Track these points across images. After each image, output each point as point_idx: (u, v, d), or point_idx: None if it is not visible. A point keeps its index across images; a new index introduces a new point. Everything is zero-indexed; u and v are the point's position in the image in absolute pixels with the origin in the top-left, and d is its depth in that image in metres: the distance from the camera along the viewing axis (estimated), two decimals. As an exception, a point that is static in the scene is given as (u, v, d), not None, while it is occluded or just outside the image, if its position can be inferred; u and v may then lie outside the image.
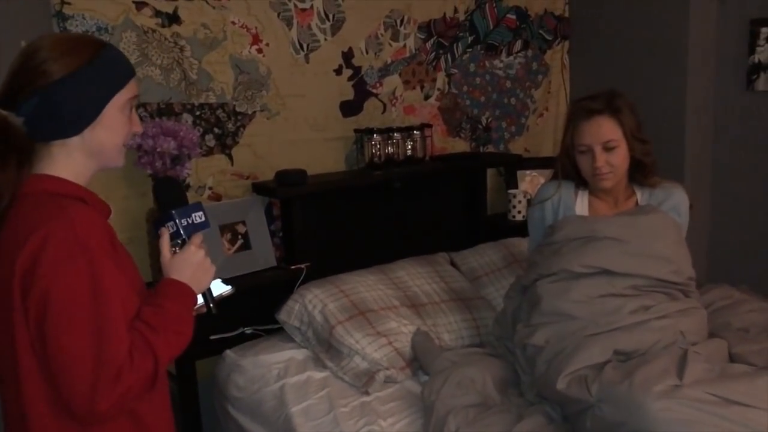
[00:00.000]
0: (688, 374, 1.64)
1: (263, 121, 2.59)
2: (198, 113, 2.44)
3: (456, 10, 3.06)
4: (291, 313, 2.34)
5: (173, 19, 2.35)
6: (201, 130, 2.44)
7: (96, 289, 1.13)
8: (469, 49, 3.14)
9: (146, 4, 2.29)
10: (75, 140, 1.23)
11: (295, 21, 2.61)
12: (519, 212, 3.06)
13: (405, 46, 2.93)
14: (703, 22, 3.00)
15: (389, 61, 2.89)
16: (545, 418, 1.80)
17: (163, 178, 1.47)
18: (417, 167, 2.83)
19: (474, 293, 2.57)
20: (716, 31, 3.03)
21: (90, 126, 1.23)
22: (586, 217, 2.03)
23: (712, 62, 3.05)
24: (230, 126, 2.52)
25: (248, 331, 2.46)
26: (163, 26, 2.33)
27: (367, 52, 2.81)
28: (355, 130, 2.77)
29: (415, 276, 2.56)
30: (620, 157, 1.94)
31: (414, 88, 2.98)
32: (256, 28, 2.52)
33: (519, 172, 3.22)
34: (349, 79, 2.78)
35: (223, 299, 1.42)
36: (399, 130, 2.78)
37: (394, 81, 2.91)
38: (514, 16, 3.26)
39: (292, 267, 2.51)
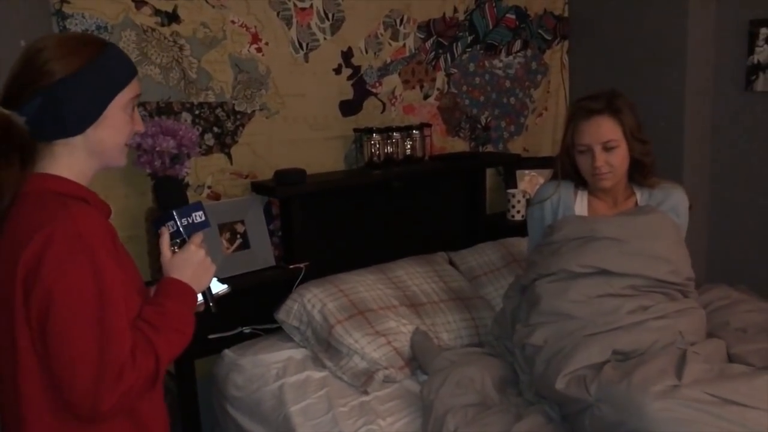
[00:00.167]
0: (686, 374, 1.64)
1: (262, 120, 2.59)
2: (197, 112, 2.44)
3: (455, 10, 3.06)
4: (290, 312, 2.34)
5: (173, 18, 2.35)
6: (200, 129, 2.44)
7: (99, 288, 1.14)
8: (469, 49, 3.14)
9: (146, 3, 2.29)
10: (78, 139, 1.23)
11: (294, 20, 2.61)
12: (518, 212, 3.07)
13: (404, 45, 2.93)
14: (702, 23, 3.01)
15: (389, 60, 2.89)
16: (544, 418, 1.81)
17: (163, 177, 1.48)
18: (416, 167, 2.83)
19: (473, 293, 2.58)
20: (715, 31, 3.03)
21: (93, 125, 1.23)
22: (585, 217, 2.03)
23: (711, 62, 3.06)
24: (229, 125, 2.52)
25: (247, 330, 2.46)
26: (162, 25, 2.33)
27: (366, 52, 2.81)
28: (355, 130, 2.77)
29: (414, 275, 2.56)
30: (620, 157, 1.94)
31: (413, 87, 2.98)
32: (255, 27, 2.52)
33: (518, 172, 3.23)
34: (349, 78, 2.78)
35: (220, 298, 1.43)
36: (398, 129, 2.78)
37: (393, 80, 2.91)
38: (513, 16, 3.26)
39: (291, 266, 2.51)
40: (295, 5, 2.60)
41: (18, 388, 1.17)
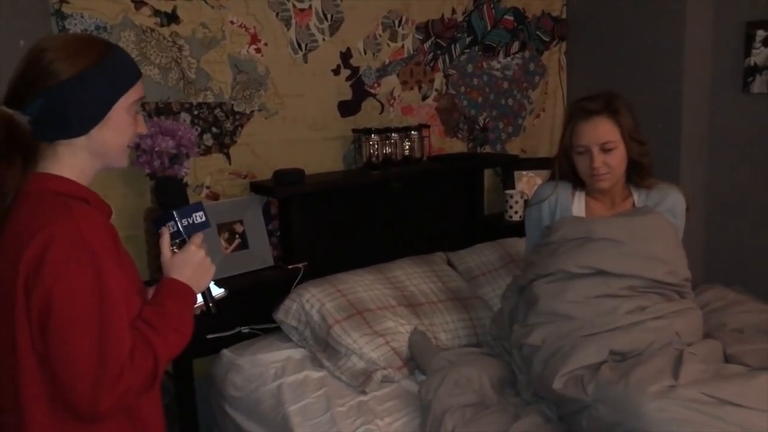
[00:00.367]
0: (683, 374, 1.65)
1: (261, 120, 2.59)
2: (196, 112, 2.44)
3: (454, 11, 3.07)
4: (288, 312, 2.35)
5: (172, 18, 2.35)
6: (199, 129, 2.45)
7: (100, 289, 1.14)
8: (467, 50, 3.15)
9: (145, 4, 2.29)
10: (81, 140, 1.24)
11: (293, 21, 2.61)
12: (516, 212, 3.08)
13: (403, 46, 2.94)
14: (700, 25, 3.02)
15: (387, 61, 2.89)
16: (542, 418, 1.81)
17: (164, 177, 1.48)
18: (414, 167, 2.84)
19: (471, 293, 2.58)
20: (712, 33, 3.04)
21: (96, 126, 1.24)
22: (583, 218, 2.04)
23: (709, 64, 3.07)
24: (228, 125, 2.52)
25: (245, 330, 2.46)
26: (161, 25, 2.34)
27: (365, 53, 2.82)
28: (353, 130, 2.77)
29: (413, 275, 2.57)
30: (618, 158, 1.95)
31: (412, 88, 2.99)
32: (254, 27, 2.53)
33: (516, 173, 3.24)
34: (347, 79, 2.79)
35: (217, 301, 1.43)
36: (397, 130, 2.79)
37: (392, 81, 2.92)
38: (511, 17, 3.27)
39: (290, 266, 2.51)
40: (294, 6, 2.61)
41: (18, 388, 1.18)
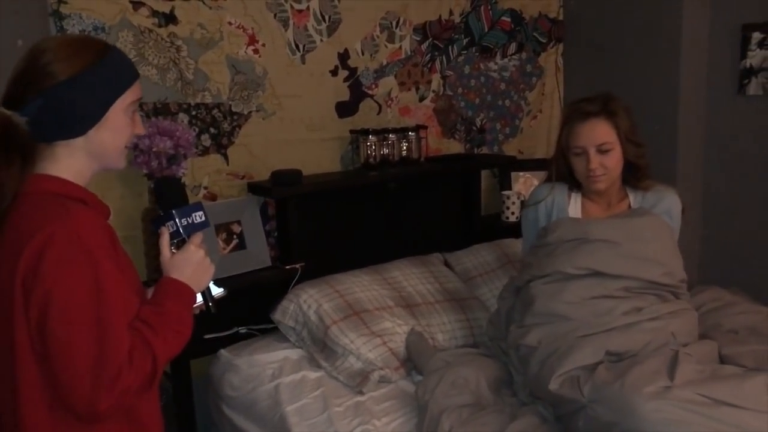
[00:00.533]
0: (678, 375, 1.66)
1: (259, 121, 2.59)
2: (194, 113, 2.45)
3: (451, 12, 3.08)
4: (286, 312, 2.35)
5: (170, 18, 2.36)
6: (197, 129, 2.45)
7: (98, 290, 1.14)
8: (464, 51, 3.16)
9: (143, 4, 2.30)
10: (78, 141, 1.24)
11: (291, 22, 2.62)
12: (513, 213, 3.08)
13: (400, 47, 2.94)
14: (696, 27, 3.03)
15: (385, 62, 2.90)
16: (538, 418, 1.82)
17: (163, 177, 1.49)
18: (412, 168, 2.84)
19: (468, 294, 2.59)
20: (708, 35, 3.05)
21: (94, 127, 1.24)
22: (580, 219, 2.04)
23: (705, 66, 3.08)
24: (226, 126, 2.52)
25: (243, 330, 2.46)
26: (159, 26, 2.34)
27: (362, 54, 2.83)
28: (351, 131, 2.78)
29: (410, 276, 2.57)
30: (614, 160, 1.95)
31: (409, 89, 3.00)
32: (252, 28, 2.53)
33: (513, 174, 3.25)
34: (345, 80, 2.79)
35: (217, 300, 1.43)
36: (394, 131, 2.80)
37: (389, 82, 2.93)
38: (508, 19, 3.28)
39: (287, 267, 2.52)
40: (291, 7, 2.61)
41: (17, 389, 1.18)
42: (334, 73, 2.76)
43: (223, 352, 2.33)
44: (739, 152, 3.04)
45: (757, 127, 2.97)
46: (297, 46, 2.65)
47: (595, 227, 1.96)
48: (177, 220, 1.33)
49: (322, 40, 2.71)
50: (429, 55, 3.04)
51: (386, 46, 2.89)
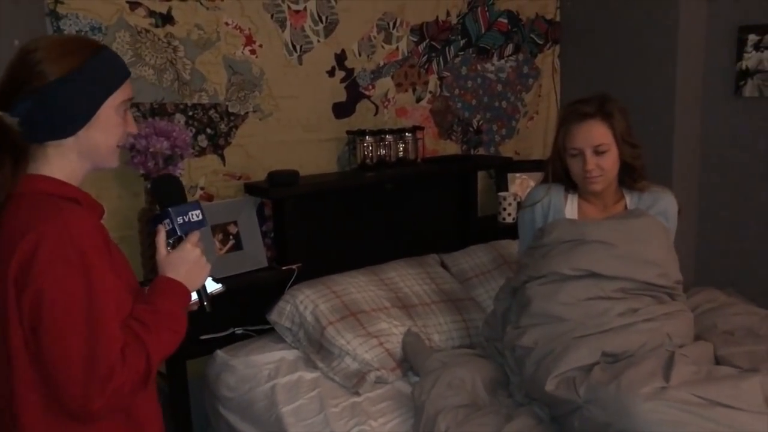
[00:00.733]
0: (674, 376, 1.66)
1: (256, 121, 2.59)
2: (191, 113, 2.45)
3: (448, 14, 3.08)
4: (282, 313, 2.35)
5: (167, 19, 2.36)
6: (193, 130, 2.45)
7: (89, 289, 1.15)
8: (461, 53, 3.16)
9: (140, 4, 2.30)
10: (70, 141, 1.24)
11: (288, 22, 2.62)
12: (509, 214, 3.09)
13: (397, 48, 2.94)
14: (692, 29, 3.04)
15: (382, 63, 2.90)
16: (534, 419, 1.82)
17: (162, 175, 1.48)
18: (408, 169, 2.85)
19: (464, 294, 2.59)
20: (705, 37, 3.06)
21: (84, 127, 1.24)
22: (576, 220, 2.05)
23: (701, 68, 3.09)
24: (223, 126, 2.52)
25: (239, 331, 2.46)
26: (156, 26, 2.34)
27: (359, 55, 2.83)
28: (348, 132, 2.78)
29: (406, 277, 2.58)
30: (610, 161, 1.96)
31: (406, 90, 3.00)
32: (249, 29, 2.53)
33: (509, 175, 3.25)
34: (342, 80, 2.80)
35: (214, 297, 1.43)
36: (391, 132, 2.80)
37: (386, 83, 2.93)
38: (505, 20, 3.28)
39: (284, 267, 2.51)
40: (288, 7, 2.61)
41: (12, 388, 1.18)
42: (331, 73, 2.76)
43: (219, 352, 2.33)
44: (735, 153, 3.05)
45: (753, 128, 2.98)
46: (294, 47, 2.65)
47: (592, 228, 1.97)
48: (173, 218, 1.33)
49: (319, 41, 2.71)
50: (426, 56, 3.04)
51: (383, 47, 2.90)
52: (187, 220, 1.34)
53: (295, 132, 2.69)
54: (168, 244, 1.35)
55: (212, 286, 1.43)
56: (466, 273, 2.74)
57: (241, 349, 2.33)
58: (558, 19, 3.47)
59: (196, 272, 1.33)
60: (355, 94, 2.84)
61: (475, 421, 1.79)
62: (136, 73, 2.29)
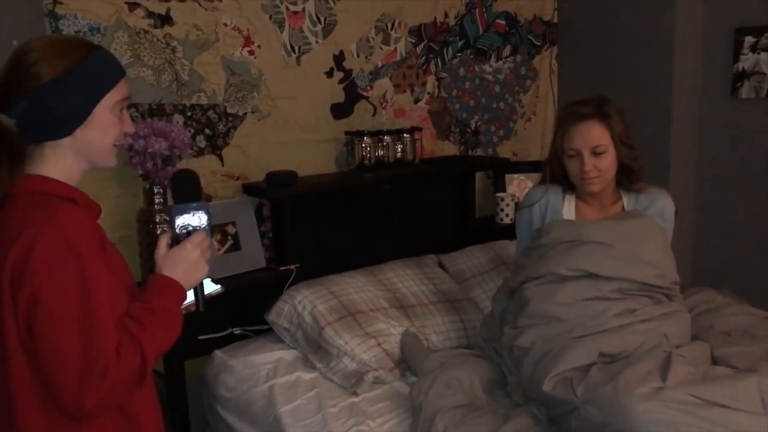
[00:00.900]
0: (671, 376, 1.66)
1: (254, 122, 2.60)
2: (189, 114, 2.45)
3: (446, 15, 3.09)
4: (280, 314, 2.35)
5: (165, 20, 2.36)
6: (192, 130, 2.45)
7: (84, 288, 1.15)
8: (459, 54, 3.17)
9: (139, 5, 2.30)
10: (66, 141, 1.24)
11: (286, 23, 2.62)
12: (507, 215, 3.10)
13: (396, 49, 2.95)
14: (690, 30, 3.05)
15: (380, 64, 2.90)
16: (531, 419, 1.83)
17: (179, 171, 1.49)
18: (407, 170, 2.85)
19: (462, 295, 2.59)
20: (702, 39, 3.07)
21: (80, 127, 1.24)
22: (573, 221, 2.05)
23: (698, 70, 3.10)
24: (221, 127, 2.52)
25: (237, 331, 2.47)
26: (155, 27, 2.34)
27: (358, 56, 2.83)
28: (346, 133, 2.78)
29: (404, 277, 2.58)
30: (608, 162, 1.97)
31: (404, 91, 3.00)
32: (248, 29, 2.53)
33: (507, 176, 3.26)
34: (340, 81, 2.80)
35: (212, 298, 1.43)
36: (389, 132, 2.80)
37: (384, 84, 2.93)
38: (503, 22, 3.29)
39: (282, 268, 2.52)
40: (287, 8, 2.61)
41: (9, 387, 1.18)
42: (329, 74, 2.76)
43: (217, 353, 2.33)
44: (731, 155, 3.06)
45: (750, 129, 2.99)
46: (292, 48, 2.65)
47: (589, 229, 1.97)
48: (173, 216, 1.33)
49: (317, 42, 2.71)
50: (424, 57, 3.04)
51: (381, 48, 2.90)
52: (186, 221, 1.34)
53: (293, 133, 2.70)
54: (170, 241, 1.35)
55: (210, 287, 1.43)
56: (463, 273, 2.74)
57: (240, 349, 2.33)
58: (556, 20, 3.47)
59: (192, 273, 1.33)
60: (353, 95, 2.85)
61: (472, 421, 1.80)
62: (134, 74, 2.30)
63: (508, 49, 3.33)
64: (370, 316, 2.33)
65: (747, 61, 2.93)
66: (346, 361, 2.18)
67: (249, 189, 2.55)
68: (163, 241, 1.34)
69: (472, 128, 3.28)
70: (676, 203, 2.11)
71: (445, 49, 3.11)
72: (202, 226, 1.36)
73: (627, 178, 2.04)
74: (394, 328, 2.32)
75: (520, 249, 2.20)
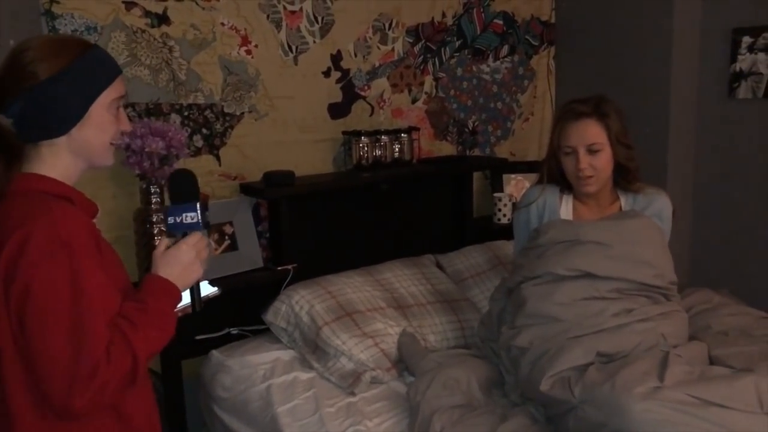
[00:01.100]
0: (668, 376, 1.67)
1: (251, 122, 2.59)
2: (186, 114, 2.44)
3: (444, 15, 3.09)
4: (278, 313, 2.35)
5: (162, 19, 2.35)
6: (189, 130, 2.45)
7: (76, 286, 1.14)
8: (457, 54, 3.17)
9: (135, 4, 2.29)
10: (62, 140, 1.24)
11: (284, 23, 2.62)
12: (504, 215, 3.10)
13: (393, 49, 2.95)
14: (687, 31, 3.05)
15: (377, 64, 2.90)
16: (529, 419, 1.83)
17: (178, 170, 1.49)
18: (404, 170, 2.85)
19: (459, 295, 2.59)
20: (699, 39, 3.08)
21: (76, 126, 1.24)
22: (571, 221, 2.06)
23: (696, 70, 3.10)
24: (218, 127, 2.52)
25: (234, 331, 2.47)
26: (152, 26, 2.33)
27: (355, 55, 2.83)
28: (343, 132, 2.78)
29: (402, 277, 2.58)
30: (603, 161, 1.97)
31: (402, 91, 3.00)
32: (245, 29, 2.53)
33: (504, 176, 3.26)
34: (338, 81, 2.80)
35: (209, 300, 1.43)
36: (386, 132, 2.80)
37: (382, 84, 2.93)
38: (501, 22, 3.29)
39: (279, 268, 2.52)
40: (284, 8, 2.61)
41: (3, 385, 1.18)
42: (326, 74, 2.76)
43: (214, 353, 2.33)
44: (729, 155, 3.07)
45: (747, 129, 2.99)
46: (290, 47, 2.65)
47: (587, 229, 1.97)
48: (167, 216, 1.33)
49: (314, 42, 2.71)
50: (421, 57, 3.04)
51: (379, 48, 2.90)
52: (179, 220, 1.33)
53: (290, 132, 2.69)
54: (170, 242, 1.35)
55: (207, 290, 1.43)
56: (461, 273, 2.74)
57: (237, 349, 2.33)
58: (553, 20, 3.48)
59: (187, 274, 1.32)
60: (350, 95, 2.84)
61: (470, 421, 1.80)
62: (131, 74, 2.29)
63: (505, 49, 3.33)
64: (367, 316, 2.33)
65: (744, 61, 2.93)
66: (344, 361, 2.18)
67: (246, 189, 2.54)
68: (164, 241, 1.33)
69: (470, 128, 3.28)
70: (673, 203, 2.11)
71: (442, 49, 3.11)
72: (199, 227, 1.35)
73: (624, 178, 2.04)
74: (392, 328, 2.32)
75: (518, 249, 2.20)
